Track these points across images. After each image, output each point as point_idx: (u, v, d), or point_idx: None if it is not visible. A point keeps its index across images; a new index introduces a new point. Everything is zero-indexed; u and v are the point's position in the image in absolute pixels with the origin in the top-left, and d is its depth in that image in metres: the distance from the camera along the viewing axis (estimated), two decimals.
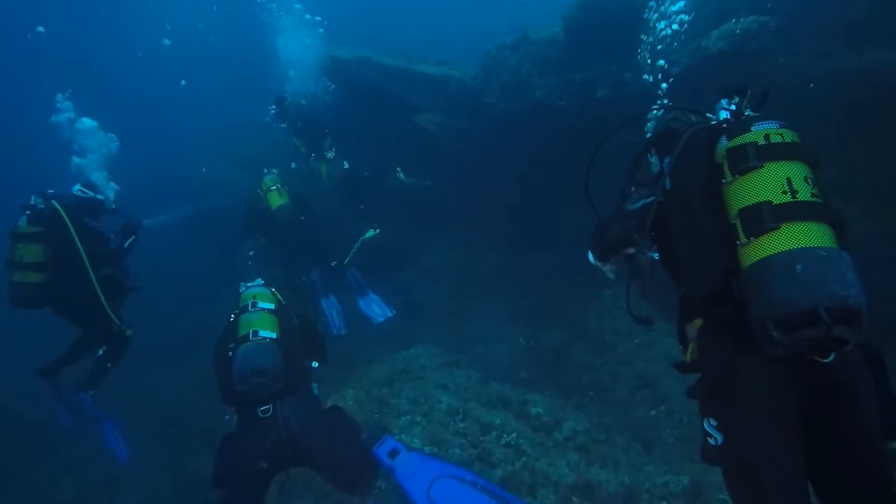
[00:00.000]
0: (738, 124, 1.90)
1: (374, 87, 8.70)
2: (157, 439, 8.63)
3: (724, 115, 2.05)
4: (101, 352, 5.18)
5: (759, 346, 1.68)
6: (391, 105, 8.71)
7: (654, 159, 2.40)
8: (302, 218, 7.07)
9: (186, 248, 11.10)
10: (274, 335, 3.54)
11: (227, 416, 4.10)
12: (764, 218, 1.68)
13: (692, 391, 2.03)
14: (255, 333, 3.50)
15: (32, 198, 4.64)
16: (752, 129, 1.83)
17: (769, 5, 5.14)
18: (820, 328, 1.55)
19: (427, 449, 3.98)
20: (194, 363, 9.38)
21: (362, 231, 7.80)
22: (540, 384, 5.60)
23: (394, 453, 3.60)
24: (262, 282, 4.28)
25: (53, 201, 4.60)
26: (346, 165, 7.95)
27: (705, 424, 1.89)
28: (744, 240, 1.73)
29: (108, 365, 5.17)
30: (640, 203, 2.23)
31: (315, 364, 3.97)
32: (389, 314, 6.92)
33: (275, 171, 7.60)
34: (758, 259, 1.68)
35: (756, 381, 1.76)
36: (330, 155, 7.99)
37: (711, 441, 1.85)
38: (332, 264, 7.23)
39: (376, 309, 6.99)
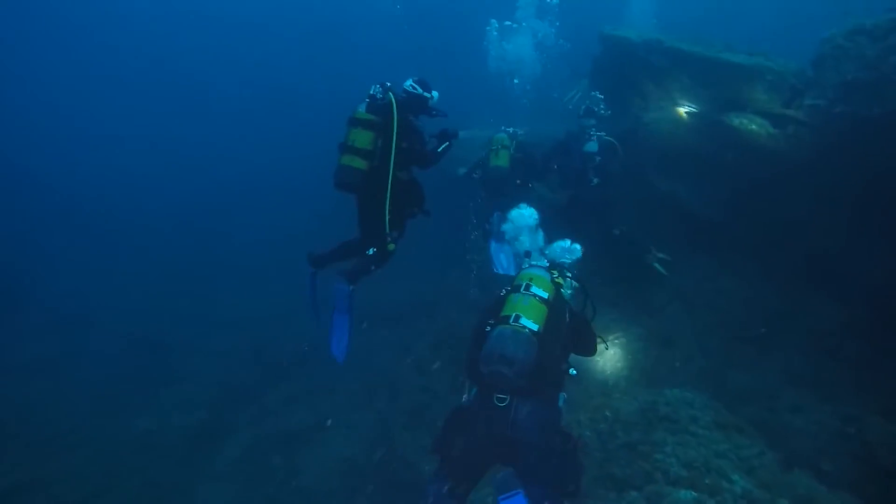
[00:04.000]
0: None
1: (659, 76, 7.55)
2: (368, 402, 8.93)
3: None
4: (371, 251, 5.05)
5: None
6: (674, 101, 7.49)
7: None
8: (518, 182, 7.25)
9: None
10: (536, 327, 3.16)
11: (464, 397, 3.81)
12: None
13: None
14: (517, 318, 3.18)
15: (373, 87, 4.77)
16: None
17: None
18: None
19: None
20: (415, 334, 9.53)
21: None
22: (859, 489, 4.06)
23: None
24: (547, 264, 3.81)
25: (390, 93, 4.71)
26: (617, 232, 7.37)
27: None
28: None
29: (373, 267, 5.04)
30: None
31: (573, 372, 3.46)
32: (511, 273, 6.48)
33: (510, 129, 7.58)
34: None
35: None
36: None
37: None
38: None
39: (503, 260, 6.75)
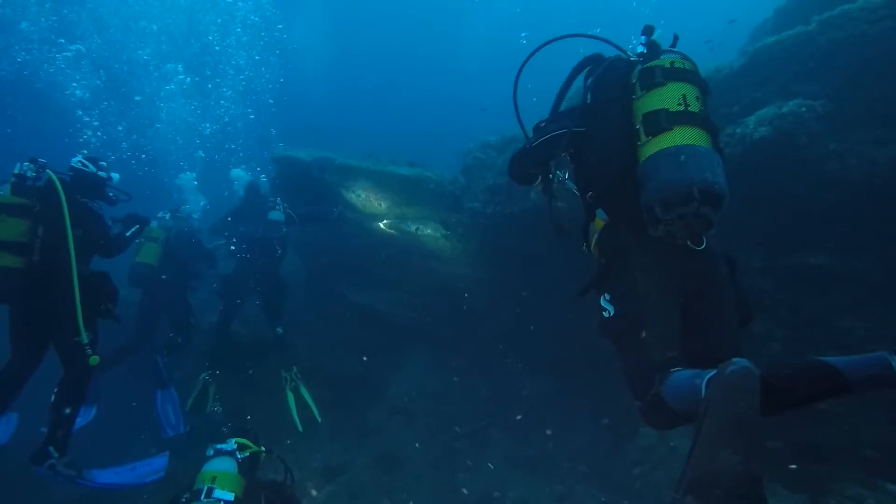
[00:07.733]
0: (651, 53, 2.40)
1: (334, 193, 7.62)
2: None
3: (640, 49, 2.48)
4: (66, 412, 4.03)
5: (647, 231, 2.16)
6: (355, 214, 7.63)
7: (581, 77, 2.76)
8: (163, 278, 6.51)
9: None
10: None
11: None
12: (661, 121, 2.16)
13: (590, 284, 2.36)
14: None
15: (19, 165, 3.96)
16: (662, 56, 2.33)
17: (810, 89, 4.62)
18: (691, 205, 2.01)
19: None
20: None
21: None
22: None
23: None
24: (235, 446, 3.06)
25: (48, 171, 3.97)
26: (280, 331, 6.78)
27: (601, 301, 2.29)
28: (644, 139, 2.19)
29: (67, 411, 4.07)
30: (552, 134, 2.53)
31: None
32: (182, 430, 5.79)
33: (167, 214, 6.85)
34: (653, 153, 2.14)
35: (643, 260, 2.21)
36: None
37: (605, 314, 2.25)
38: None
39: (171, 415, 5.82)
